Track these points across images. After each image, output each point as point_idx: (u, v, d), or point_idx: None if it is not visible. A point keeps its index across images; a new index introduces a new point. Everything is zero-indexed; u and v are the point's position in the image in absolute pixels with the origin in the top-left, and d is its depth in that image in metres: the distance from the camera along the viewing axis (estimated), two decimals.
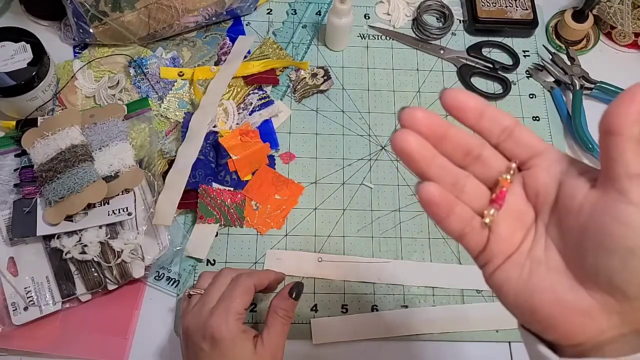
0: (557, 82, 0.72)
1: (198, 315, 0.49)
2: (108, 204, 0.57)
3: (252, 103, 0.67)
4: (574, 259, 0.29)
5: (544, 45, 0.75)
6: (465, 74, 0.73)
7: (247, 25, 0.75)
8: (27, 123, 0.61)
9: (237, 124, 0.66)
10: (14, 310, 0.54)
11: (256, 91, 0.68)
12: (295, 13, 0.76)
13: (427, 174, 0.30)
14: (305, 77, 0.70)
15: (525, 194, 0.31)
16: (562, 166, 0.32)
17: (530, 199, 0.31)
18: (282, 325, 0.50)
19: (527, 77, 0.74)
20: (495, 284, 0.31)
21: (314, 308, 0.58)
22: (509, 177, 0.31)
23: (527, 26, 0.76)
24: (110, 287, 0.56)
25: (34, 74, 0.60)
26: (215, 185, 0.62)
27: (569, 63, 0.72)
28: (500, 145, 0.31)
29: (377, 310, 0.59)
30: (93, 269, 0.56)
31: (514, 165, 0.31)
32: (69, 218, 0.56)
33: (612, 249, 0.27)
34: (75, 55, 0.70)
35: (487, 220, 0.30)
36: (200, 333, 0.48)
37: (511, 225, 0.31)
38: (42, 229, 0.55)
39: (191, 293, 0.52)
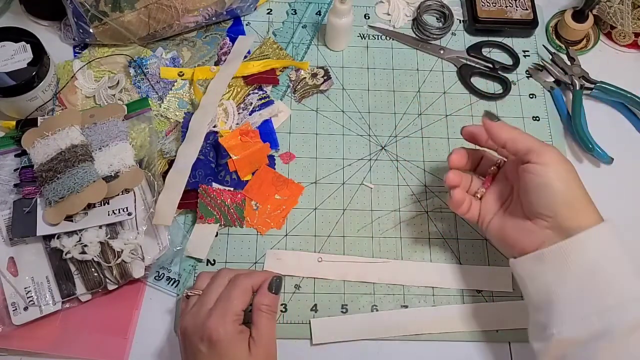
0: (557, 82, 0.72)
1: (196, 316, 0.49)
2: (108, 204, 0.57)
3: (252, 103, 0.67)
4: (523, 204, 0.51)
5: (544, 45, 0.75)
6: (465, 74, 0.73)
7: (247, 25, 0.75)
8: (27, 123, 0.61)
9: (237, 124, 0.66)
10: (14, 310, 0.54)
11: (256, 91, 0.68)
12: (295, 13, 0.76)
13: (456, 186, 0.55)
14: (305, 77, 0.70)
15: (506, 177, 0.55)
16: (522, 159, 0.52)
17: (509, 179, 0.55)
18: (268, 321, 0.51)
19: (527, 77, 0.74)
20: (488, 232, 0.55)
21: (314, 308, 0.58)
22: (493, 169, 0.57)
23: (527, 26, 0.76)
24: (110, 287, 0.56)
25: (34, 74, 0.60)
26: (215, 185, 0.62)
27: (569, 63, 0.72)
28: (500, 151, 0.55)
29: (377, 310, 0.59)
30: (93, 269, 0.56)
31: (498, 161, 0.57)
32: (69, 218, 0.56)
33: (530, 190, 0.50)
34: (75, 55, 0.70)
35: (478, 195, 0.56)
36: (198, 334, 0.48)
37: (494, 198, 0.55)
38: (42, 229, 0.55)
39: (189, 294, 0.53)
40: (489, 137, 0.53)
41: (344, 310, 0.58)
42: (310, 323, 0.57)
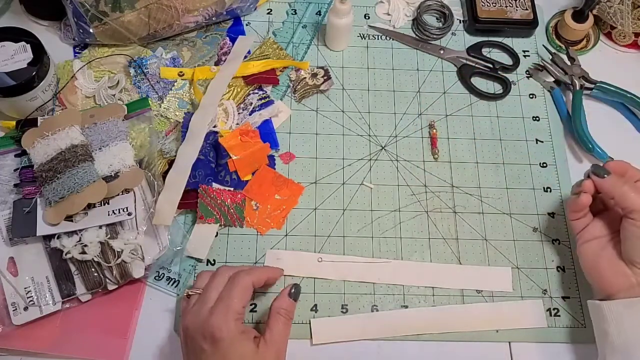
0: (557, 82, 0.72)
1: (197, 315, 0.49)
2: (108, 204, 0.58)
3: (252, 103, 0.67)
4: (622, 247, 0.54)
5: (544, 45, 0.75)
6: (465, 74, 0.73)
7: (247, 25, 0.75)
8: (27, 123, 0.61)
9: (237, 124, 0.66)
10: (14, 310, 0.54)
11: (256, 91, 0.68)
12: (295, 13, 0.76)
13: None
14: (305, 77, 0.70)
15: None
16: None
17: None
18: (284, 325, 0.51)
19: (527, 77, 0.74)
20: (583, 251, 0.57)
21: (314, 308, 0.58)
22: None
23: (527, 26, 0.76)
24: (110, 287, 0.56)
25: (34, 74, 0.60)
26: (215, 185, 0.62)
27: (569, 63, 0.72)
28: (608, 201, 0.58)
29: (377, 310, 0.59)
30: (93, 269, 0.56)
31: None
32: (69, 218, 0.56)
33: (629, 239, 0.53)
34: (75, 55, 0.70)
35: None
36: (200, 333, 0.48)
37: (602, 225, 0.57)
38: (42, 229, 0.55)
39: (190, 293, 0.53)
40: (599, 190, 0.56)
41: (344, 311, 0.58)
42: (310, 323, 0.57)
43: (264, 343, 0.49)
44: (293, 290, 0.53)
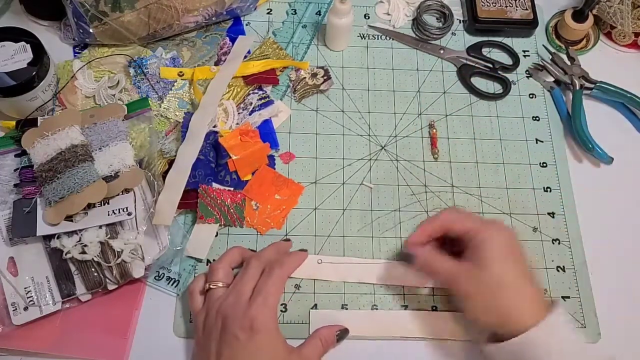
0: (557, 82, 0.72)
1: (236, 305, 0.50)
2: (108, 204, 0.58)
3: (252, 103, 0.67)
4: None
5: (544, 45, 0.75)
6: (465, 74, 0.73)
7: (247, 25, 0.75)
8: (27, 123, 0.61)
9: (237, 124, 0.66)
10: (14, 310, 0.54)
11: (256, 91, 0.68)
12: (295, 13, 0.76)
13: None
14: (305, 77, 0.70)
15: None
16: None
17: None
18: (320, 350, 0.53)
19: (527, 77, 0.74)
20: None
21: (314, 308, 0.58)
22: None
23: (527, 26, 0.76)
24: (110, 287, 0.56)
25: (34, 74, 0.60)
26: (215, 185, 0.62)
27: (569, 63, 0.72)
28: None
29: (377, 309, 0.59)
30: (93, 269, 0.56)
31: None
32: (69, 218, 0.56)
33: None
34: (75, 55, 0.70)
35: None
36: (238, 323, 0.49)
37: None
38: (42, 229, 0.55)
39: (212, 287, 0.53)
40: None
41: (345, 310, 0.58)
42: (309, 314, 0.57)
43: (298, 353, 0.51)
44: (340, 332, 0.55)
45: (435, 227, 0.56)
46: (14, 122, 0.62)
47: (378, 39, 0.75)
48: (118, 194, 0.58)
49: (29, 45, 0.62)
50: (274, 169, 0.65)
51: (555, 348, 0.47)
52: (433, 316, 0.58)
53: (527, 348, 0.47)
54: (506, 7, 0.76)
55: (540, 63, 0.73)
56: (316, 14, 0.76)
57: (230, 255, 0.56)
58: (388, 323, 0.58)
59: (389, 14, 0.78)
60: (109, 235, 0.56)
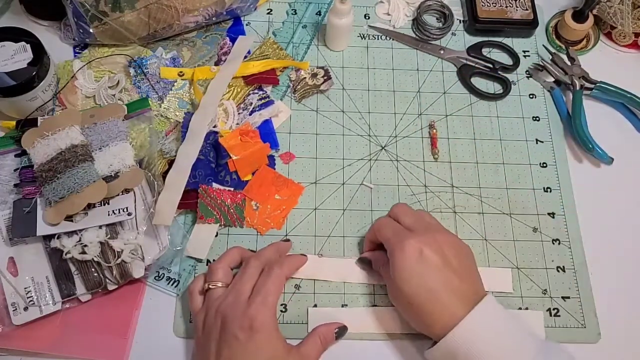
0: (557, 82, 0.72)
1: (235, 305, 0.50)
2: (108, 204, 0.57)
3: (252, 103, 0.67)
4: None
5: (544, 45, 0.75)
6: (465, 74, 0.73)
7: (247, 25, 0.75)
8: (27, 123, 0.61)
9: (237, 124, 0.66)
10: (14, 310, 0.54)
11: (256, 91, 0.68)
12: (295, 13, 0.76)
13: None
14: (305, 77, 0.70)
15: None
16: None
17: None
18: (319, 348, 0.53)
19: (527, 77, 0.74)
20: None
21: (314, 307, 0.58)
22: None
23: (527, 26, 0.76)
24: (110, 287, 0.56)
25: (34, 74, 0.60)
26: (215, 185, 0.62)
27: (569, 63, 0.72)
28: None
29: (376, 307, 0.59)
30: (93, 269, 0.56)
31: None
32: (69, 218, 0.56)
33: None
34: (75, 55, 0.70)
35: None
36: (237, 322, 0.49)
37: None
38: (42, 229, 0.55)
39: (211, 287, 0.53)
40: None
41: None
42: (307, 312, 0.58)
43: (297, 351, 0.51)
44: (338, 330, 0.55)
45: (370, 237, 0.59)
46: (14, 122, 0.62)
47: (378, 39, 0.75)
48: (118, 194, 0.58)
49: (29, 45, 0.62)
50: (274, 169, 0.65)
51: (476, 345, 0.47)
52: None
53: (450, 351, 0.48)
54: (506, 7, 0.76)
55: (541, 63, 0.73)
56: (316, 14, 0.76)
57: (230, 255, 0.56)
58: (387, 320, 0.58)
59: (389, 14, 0.78)
60: (109, 236, 0.56)
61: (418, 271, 0.50)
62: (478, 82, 0.73)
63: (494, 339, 0.48)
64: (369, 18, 0.77)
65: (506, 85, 0.72)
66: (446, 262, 0.51)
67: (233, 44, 0.71)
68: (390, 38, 0.76)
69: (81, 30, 0.67)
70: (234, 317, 0.49)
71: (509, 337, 0.48)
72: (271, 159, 0.66)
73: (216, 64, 0.70)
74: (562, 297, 0.60)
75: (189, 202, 0.61)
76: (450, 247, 0.52)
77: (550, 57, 0.73)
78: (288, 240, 0.61)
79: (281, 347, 0.50)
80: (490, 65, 0.74)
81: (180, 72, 0.68)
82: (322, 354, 0.53)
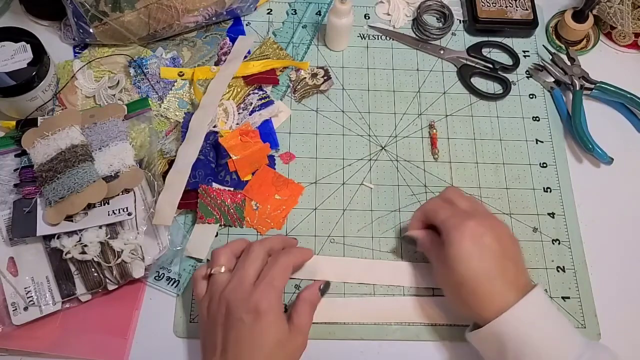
0: (557, 82, 0.72)
1: (239, 289, 0.50)
2: (108, 204, 0.57)
3: (252, 103, 0.67)
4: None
5: (544, 46, 0.75)
6: (465, 74, 0.73)
7: (247, 25, 0.75)
8: (27, 123, 0.61)
9: (237, 124, 0.66)
10: (14, 310, 0.54)
11: (256, 91, 0.68)
12: (295, 13, 0.76)
13: None
14: (305, 77, 0.70)
15: None
16: None
17: None
18: (310, 313, 0.53)
19: (527, 77, 0.74)
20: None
21: None
22: None
23: (527, 26, 0.76)
24: (110, 287, 0.56)
25: (34, 74, 0.60)
26: (215, 185, 0.62)
27: (569, 63, 0.72)
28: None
29: (373, 296, 0.59)
30: (93, 269, 0.56)
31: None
32: (69, 218, 0.56)
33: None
34: (75, 55, 0.70)
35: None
36: (243, 305, 0.49)
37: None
38: (42, 229, 0.55)
39: (214, 272, 0.53)
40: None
41: None
42: None
43: (295, 328, 0.51)
44: (323, 286, 0.55)
45: (419, 216, 0.58)
46: (14, 122, 0.62)
47: (378, 39, 0.75)
48: (118, 194, 0.58)
49: (29, 45, 0.62)
50: (274, 169, 0.65)
51: (526, 330, 0.48)
52: (431, 302, 0.58)
53: (497, 334, 0.49)
54: (506, 7, 0.76)
55: (541, 63, 0.73)
56: (316, 14, 0.76)
57: (235, 243, 0.56)
58: (385, 309, 0.58)
59: (389, 14, 0.78)
60: (109, 236, 0.56)
61: (477, 254, 0.51)
62: (478, 82, 0.73)
63: (544, 327, 0.49)
64: (369, 18, 0.77)
65: (506, 85, 0.72)
66: (505, 250, 0.52)
67: (233, 44, 0.71)
68: (390, 38, 0.76)
69: (81, 30, 0.67)
70: (239, 301, 0.49)
71: (558, 326, 0.50)
72: (271, 159, 0.66)
73: (216, 64, 0.70)
74: (562, 297, 0.60)
75: (189, 202, 0.61)
76: (507, 237, 0.53)
77: (550, 57, 0.73)
78: (294, 238, 0.61)
79: (284, 329, 0.50)
80: (490, 65, 0.74)
81: (180, 72, 0.68)
82: (313, 314, 0.53)
